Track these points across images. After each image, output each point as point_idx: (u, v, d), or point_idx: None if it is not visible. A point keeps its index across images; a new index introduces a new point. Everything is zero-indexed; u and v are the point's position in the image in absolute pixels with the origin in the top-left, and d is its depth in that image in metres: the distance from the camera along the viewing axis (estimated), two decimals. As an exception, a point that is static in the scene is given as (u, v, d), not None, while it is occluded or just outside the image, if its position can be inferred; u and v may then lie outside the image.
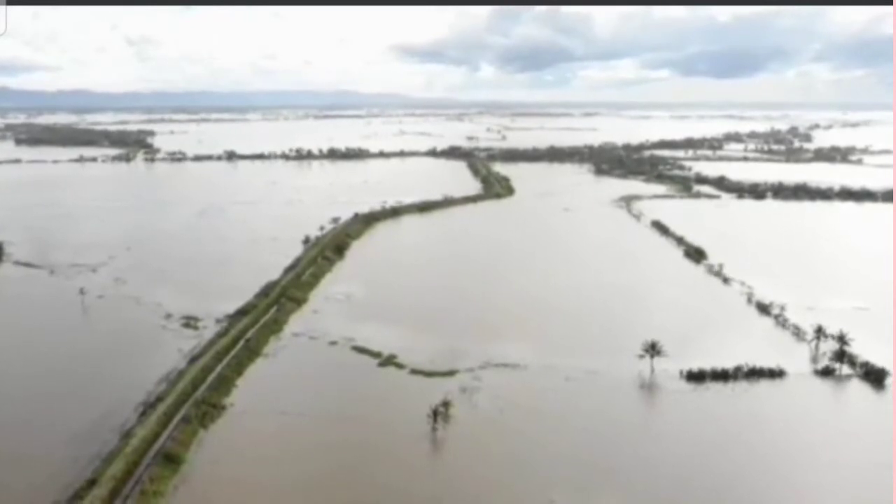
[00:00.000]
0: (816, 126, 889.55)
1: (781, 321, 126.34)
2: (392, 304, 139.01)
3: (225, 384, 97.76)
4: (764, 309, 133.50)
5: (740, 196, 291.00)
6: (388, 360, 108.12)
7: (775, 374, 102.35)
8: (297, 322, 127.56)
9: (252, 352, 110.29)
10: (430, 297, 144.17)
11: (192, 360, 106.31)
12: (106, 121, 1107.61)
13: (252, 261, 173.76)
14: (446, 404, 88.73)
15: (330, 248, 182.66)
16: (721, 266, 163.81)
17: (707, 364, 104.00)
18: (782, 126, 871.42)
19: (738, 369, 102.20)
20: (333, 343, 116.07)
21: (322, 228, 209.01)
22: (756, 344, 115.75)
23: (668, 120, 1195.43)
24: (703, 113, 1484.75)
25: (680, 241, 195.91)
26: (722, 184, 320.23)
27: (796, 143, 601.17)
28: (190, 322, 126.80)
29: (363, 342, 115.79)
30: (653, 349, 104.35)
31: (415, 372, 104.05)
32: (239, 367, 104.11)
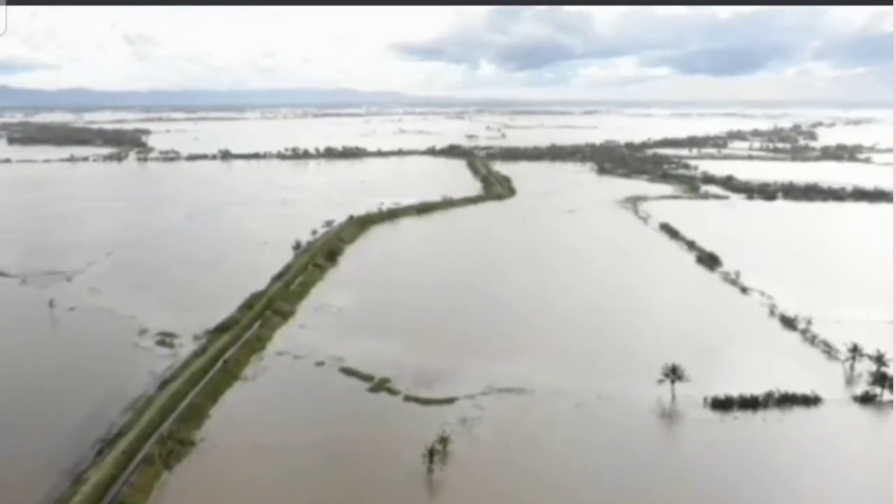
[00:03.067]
0: (820, 124, 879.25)
1: (809, 337, 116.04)
2: (386, 316, 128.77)
3: (196, 414, 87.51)
4: (789, 322, 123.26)
5: (750, 196, 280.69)
6: (381, 385, 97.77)
7: (810, 400, 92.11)
8: (282, 338, 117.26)
9: (230, 374, 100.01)
10: (428, 308, 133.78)
11: (163, 384, 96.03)
12: (104, 119, 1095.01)
13: (239, 268, 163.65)
14: (444, 440, 78.53)
15: (322, 254, 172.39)
16: (738, 273, 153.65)
17: (732, 388, 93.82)
18: (785, 124, 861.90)
19: (768, 396, 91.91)
20: (320, 364, 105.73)
21: (315, 232, 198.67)
22: (784, 364, 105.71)
23: (668, 118, 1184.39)
24: (704, 111, 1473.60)
25: (691, 245, 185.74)
26: (730, 184, 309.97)
27: (801, 142, 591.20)
28: (166, 339, 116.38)
29: (353, 362, 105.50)
30: (673, 373, 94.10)
31: (409, 399, 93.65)
32: (214, 393, 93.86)
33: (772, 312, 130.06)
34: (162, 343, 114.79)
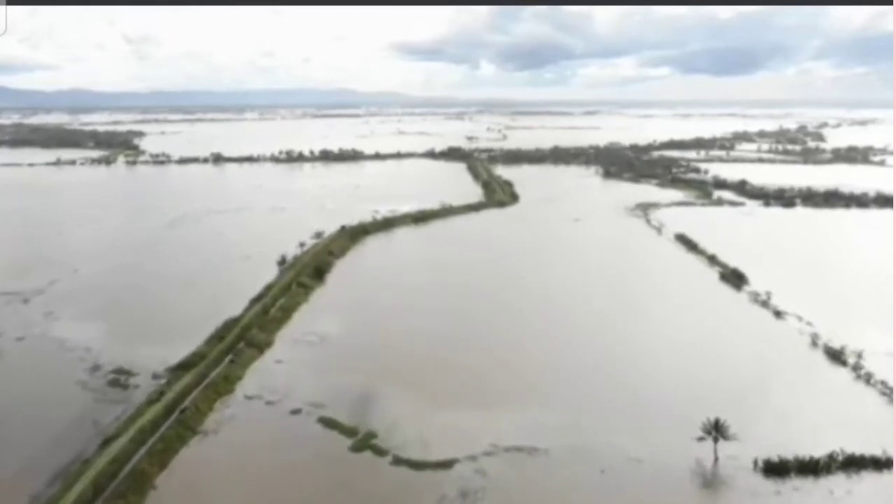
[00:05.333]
0: (825, 124, 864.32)
1: (863, 375, 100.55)
2: (374, 348, 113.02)
3: (139, 485, 71.94)
4: (836, 356, 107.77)
5: (766, 203, 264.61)
6: (365, 441, 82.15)
7: (881, 464, 76.47)
8: (254, 378, 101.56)
9: (187, 428, 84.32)
10: (423, 338, 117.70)
11: (106, 441, 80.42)
12: (100, 121, 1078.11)
13: (216, 288, 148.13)
14: (440, 526, 63.25)
15: (308, 270, 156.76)
16: (768, 294, 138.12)
17: (784, 446, 78.58)
18: (789, 125, 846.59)
19: (831, 458, 76.43)
20: (296, 412, 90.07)
21: (302, 245, 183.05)
22: (839, 410, 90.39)
23: (670, 118, 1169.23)
24: (705, 111, 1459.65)
25: (712, 259, 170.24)
26: (744, 189, 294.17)
27: (810, 143, 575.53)
28: (120, 378, 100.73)
29: (335, 409, 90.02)
30: (716, 430, 78.51)
31: (399, 461, 77.93)
32: (165, 455, 78.25)
33: (814, 343, 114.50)
34: (115, 383, 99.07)
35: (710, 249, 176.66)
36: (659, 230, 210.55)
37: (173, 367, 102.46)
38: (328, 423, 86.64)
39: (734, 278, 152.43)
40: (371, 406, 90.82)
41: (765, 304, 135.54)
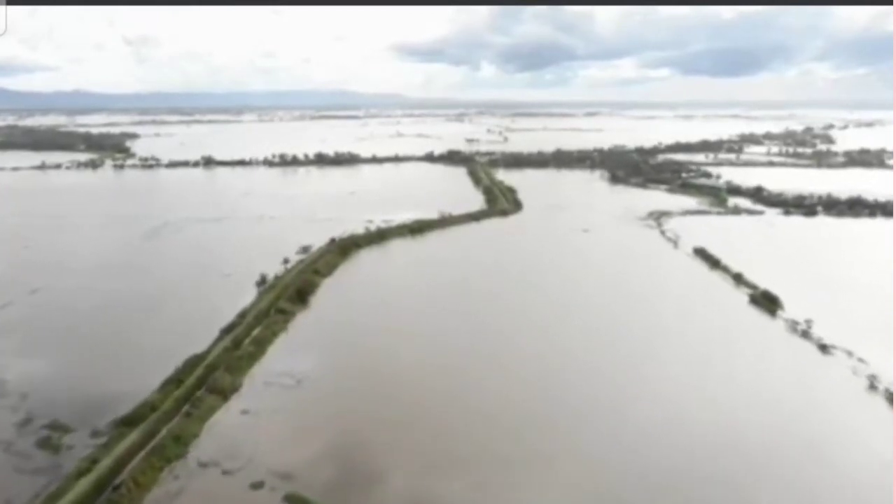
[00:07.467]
0: (831, 126, 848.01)
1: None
2: (361, 395, 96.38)
3: None
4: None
5: (786, 212, 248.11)
6: (339, 532, 66.01)
7: None
8: (212, 436, 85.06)
9: (119, 512, 68.14)
10: (420, 382, 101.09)
11: (14, 533, 64.34)
12: (97, 122, 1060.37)
13: (186, 314, 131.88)
14: None
15: (290, 293, 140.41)
16: (808, 323, 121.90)
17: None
18: (795, 126, 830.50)
19: (931, 561, 60.39)
20: (257, 486, 73.57)
21: (287, 261, 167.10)
22: (921, 482, 74.04)
23: (673, 120, 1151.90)
24: (707, 112, 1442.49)
25: (738, 279, 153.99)
26: (760, 195, 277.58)
27: (820, 146, 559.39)
28: (53, 436, 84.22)
29: (305, 481, 73.69)
30: (783, 523, 62.33)
31: (380, 565, 61.94)
32: (84, 554, 62.11)
33: (872, 386, 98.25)
34: (45, 444, 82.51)
35: (734, 266, 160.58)
36: (675, 243, 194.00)
37: (118, 420, 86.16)
38: (296, 502, 70.22)
39: (766, 302, 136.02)
40: (351, 477, 74.58)
41: (806, 334, 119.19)
